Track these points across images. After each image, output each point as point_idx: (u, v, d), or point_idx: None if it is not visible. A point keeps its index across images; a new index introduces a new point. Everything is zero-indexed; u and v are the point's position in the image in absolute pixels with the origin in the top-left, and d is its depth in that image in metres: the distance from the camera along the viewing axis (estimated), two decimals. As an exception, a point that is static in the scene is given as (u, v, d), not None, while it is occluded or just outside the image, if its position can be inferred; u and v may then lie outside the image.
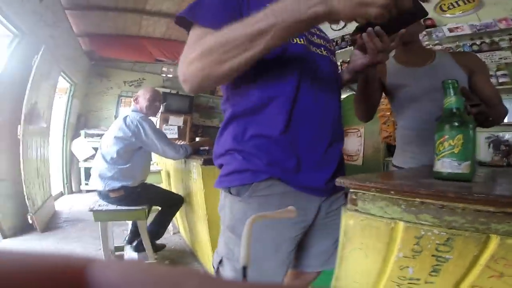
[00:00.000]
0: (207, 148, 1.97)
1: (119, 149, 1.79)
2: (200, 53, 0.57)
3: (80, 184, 4.36)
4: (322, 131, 0.72)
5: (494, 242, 0.41)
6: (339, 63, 3.36)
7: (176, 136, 4.70)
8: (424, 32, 2.97)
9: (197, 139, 2.37)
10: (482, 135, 2.37)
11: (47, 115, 3.25)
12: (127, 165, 1.83)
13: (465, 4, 2.88)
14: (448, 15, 3.00)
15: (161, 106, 4.61)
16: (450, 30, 2.88)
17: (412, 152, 1.13)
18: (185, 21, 0.66)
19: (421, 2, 0.67)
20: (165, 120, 4.88)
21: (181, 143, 1.97)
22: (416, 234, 0.46)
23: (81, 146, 4.32)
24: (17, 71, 2.55)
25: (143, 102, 1.94)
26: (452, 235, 0.43)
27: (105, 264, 0.08)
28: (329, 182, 0.69)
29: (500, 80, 2.58)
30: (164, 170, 2.84)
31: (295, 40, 0.69)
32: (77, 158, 4.30)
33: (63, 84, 4.04)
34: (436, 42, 3.00)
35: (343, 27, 3.69)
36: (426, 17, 2.93)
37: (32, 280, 0.07)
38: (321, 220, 0.73)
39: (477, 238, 0.42)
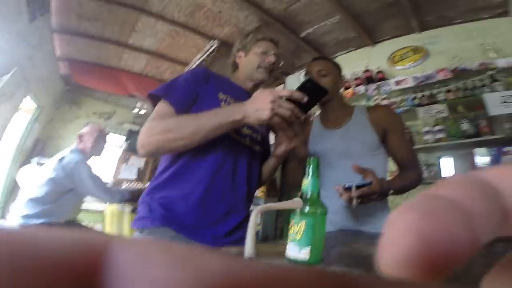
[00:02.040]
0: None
1: (49, 190, 1.66)
2: (160, 131, 0.77)
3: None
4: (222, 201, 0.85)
5: None
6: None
7: (134, 177, 4.42)
8: (374, 86, 2.94)
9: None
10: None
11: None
12: (54, 204, 1.69)
13: (414, 54, 2.88)
14: (398, 67, 2.96)
15: (125, 143, 4.48)
16: (397, 83, 2.81)
17: (332, 220, 1.04)
18: (154, 97, 0.86)
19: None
20: (125, 160, 4.55)
21: (122, 188, 1.97)
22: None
23: (29, 175, 3.94)
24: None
25: (88, 142, 1.83)
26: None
27: (126, 244, 0.07)
28: (218, 239, 0.81)
29: (437, 136, 2.40)
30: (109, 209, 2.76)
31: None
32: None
33: (29, 105, 3.92)
34: (384, 96, 2.85)
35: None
36: (378, 71, 3.19)
37: (40, 271, 0.06)
38: None
39: None
